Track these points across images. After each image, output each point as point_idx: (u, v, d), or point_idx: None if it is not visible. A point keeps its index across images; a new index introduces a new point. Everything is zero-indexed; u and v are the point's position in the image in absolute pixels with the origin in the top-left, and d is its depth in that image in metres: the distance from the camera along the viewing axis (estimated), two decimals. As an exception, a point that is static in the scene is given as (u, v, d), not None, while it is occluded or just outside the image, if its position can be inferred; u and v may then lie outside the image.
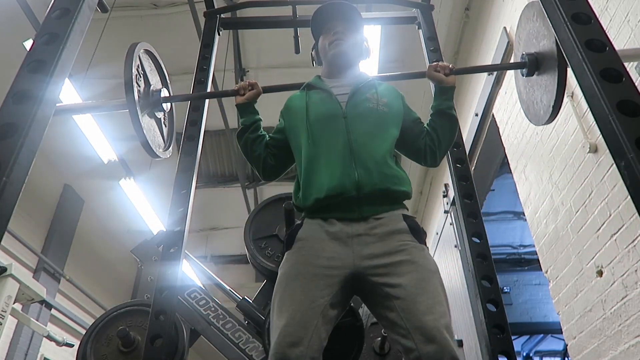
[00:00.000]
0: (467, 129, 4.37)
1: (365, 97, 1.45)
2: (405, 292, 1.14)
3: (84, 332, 2.90)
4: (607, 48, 1.08)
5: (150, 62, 1.78)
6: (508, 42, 3.40)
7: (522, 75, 1.64)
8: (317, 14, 1.60)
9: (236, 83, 5.09)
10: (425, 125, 1.50)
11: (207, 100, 2.19)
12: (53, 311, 6.31)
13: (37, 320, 4.72)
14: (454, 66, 1.50)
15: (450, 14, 4.37)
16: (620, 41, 2.16)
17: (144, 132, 1.58)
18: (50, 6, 1.17)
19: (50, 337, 4.17)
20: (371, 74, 1.62)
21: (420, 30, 2.49)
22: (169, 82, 1.92)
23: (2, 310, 3.42)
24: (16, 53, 2.55)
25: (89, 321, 6.41)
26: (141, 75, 1.64)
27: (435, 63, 1.51)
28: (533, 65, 1.57)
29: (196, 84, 2.22)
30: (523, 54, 1.61)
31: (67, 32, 1.10)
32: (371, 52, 1.65)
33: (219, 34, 2.51)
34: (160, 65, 1.86)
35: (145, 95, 1.67)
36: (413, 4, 2.58)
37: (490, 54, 3.78)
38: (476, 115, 4.16)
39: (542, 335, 8.96)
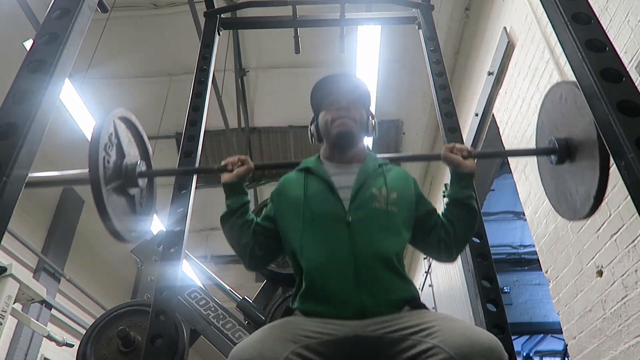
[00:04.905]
0: (467, 129, 4.37)
1: (371, 193, 1.27)
2: None
3: (84, 332, 2.90)
4: (607, 48, 1.08)
5: (128, 132, 1.50)
6: (508, 42, 3.40)
7: (551, 163, 1.44)
8: (318, 86, 1.46)
9: (236, 83, 5.08)
10: (441, 215, 1.33)
11: (207, 100, 2.19)
12: (53, 311, 6.31)
13: (37, 320, 4.72)
14: (472, 149, 1.35)
15: (450, 14, 4.38)
16: (620, 41, 2.16)
17: (109, 211, 1.26)
18: (50, 6, 1.17)
19: (50, 337, 4.18)
20: (380, 155, 1.45)
21: (420, 30, 2.48)
22: (150, 153, 1.61)
23: (2, 310, 3.43)
24: (16, 53, 2.56)
25: (89, 321, 6.41)
26: (113, 145, 1.37)
27: (452, 144, 1.34)
28: (564, 151, 1.38)
29: (196, 83, 2.23)
30: (551, 139, 1.41)
31: (67, 32, 1.10)
32: (377, 131, 1.49)
33: (219, 34, 2.51)
34: (141, 135, 1.57)
35: (115, 169, 1.37)
36: (413, 4, 2.58)
37: (490, 54, 3.78)
38: (476, 115, 4.16)
39: (542, 335, 8.94)
